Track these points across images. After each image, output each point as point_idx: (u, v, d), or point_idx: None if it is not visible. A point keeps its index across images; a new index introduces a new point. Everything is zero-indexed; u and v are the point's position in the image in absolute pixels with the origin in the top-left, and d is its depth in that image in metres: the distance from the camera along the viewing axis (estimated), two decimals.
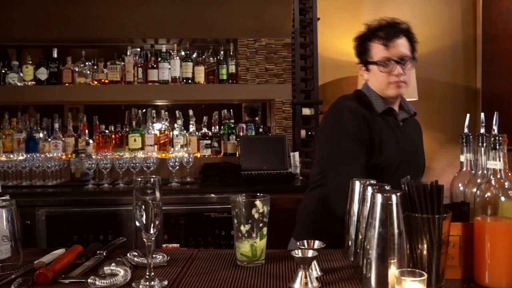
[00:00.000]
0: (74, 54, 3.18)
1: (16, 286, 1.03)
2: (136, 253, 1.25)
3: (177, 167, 2.91)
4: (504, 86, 3.36)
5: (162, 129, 3.10)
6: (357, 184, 1.21)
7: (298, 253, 1.05)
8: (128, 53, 3.09)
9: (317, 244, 1.13)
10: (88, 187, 2.80)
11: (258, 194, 1.23)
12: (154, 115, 3.11)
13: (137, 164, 2.84)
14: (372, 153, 1.59)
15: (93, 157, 2.84)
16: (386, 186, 1.11)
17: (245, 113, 3.71)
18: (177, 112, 3.12)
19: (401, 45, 1.67)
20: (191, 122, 3.09)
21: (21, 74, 3.05)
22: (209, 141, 3.11)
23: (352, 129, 1.59)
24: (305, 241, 1.14)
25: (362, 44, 1.73)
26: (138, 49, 3.21)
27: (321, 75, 3.26)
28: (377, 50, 1.68)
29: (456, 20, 3.43)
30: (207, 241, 2.74)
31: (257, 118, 3.64)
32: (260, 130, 3.18)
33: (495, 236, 1.01)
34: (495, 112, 1.14)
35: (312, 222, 1.69)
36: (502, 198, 1.07)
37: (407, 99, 3.07)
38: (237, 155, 3.07)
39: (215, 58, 3.19)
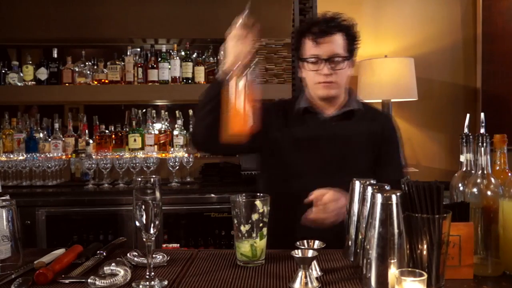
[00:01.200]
0: (74, 54, 3.18)
1: (16, 286, 1.03)
2: (136, 253, 1.25)
3: (177, 167, 2.91)
4: (504, 86, 3.36)
5: (162, 129, 3.10)
6: (357, 184, 1.21)
7: (298, 253, 1.05)
8: (128, 53, 3.08)
9: (317, 244, 1.13)
10: (88, 187, 2.80)
11: (258, 194, 1.23)
12: (154, 115, 3.10)
13: (137, 164, 2.84)
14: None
15: (93, 157, 2.84)
16: (386, 186, 1.11)
17: None
18: (177, 112, 3.12)
19: (333, 43, 1.57)
20: (191, 122, 3.09)
21: (21, 74, 3.05)
22: None
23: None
24: (305, 241, 1.14)
25: (298, 39, 1.65)
26: (138, 49, 3.20)
27: None
28: (308, 47, 1.59)
29: (456, 20, 3.43)
30: (207, 241, 2.74)
31: None
32: None
33: None
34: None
35: None
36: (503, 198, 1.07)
37: (407, 99, 3.09)
38: (237, 155, 3.07)
39: (215, 58, 3.19)
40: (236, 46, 1.38)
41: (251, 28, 1.39)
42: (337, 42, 1.57)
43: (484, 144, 1.13)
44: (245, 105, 1.35)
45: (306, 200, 1.39)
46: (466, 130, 1.24)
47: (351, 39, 1.61)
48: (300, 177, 1.58)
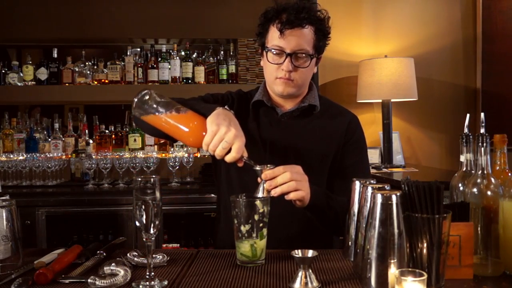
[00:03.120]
0: (74, 54, 3.18)
1: (16, 286, 1.03)
2: (136, 253, 1.25)
3: (177, 167, 2.91)
4: (504, 86, 3.36)
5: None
6: (357, 184, 1.21)
7: (298, 253, 1.05)
8: (128, 53, 3.09)
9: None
10: (88, 187, 2.80)
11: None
12: None
13: (137, 164, 2.84)
14: None
15: (93, 157, 2.84)
16: (386, 186, 1.11)
17: None
18: None
19: (301, 36, 1.40)
20: None
21: (21, 74, 3.05)
22: None
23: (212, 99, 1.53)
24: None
25: (263, 23, 1.46)
26: (138, 49, 3.21)
27: (321, 75, 3.26)
28: (272, 36, 1.42)
29: (456, 19, 3.43)
30: (207, 241, 2.74)
31: None
32: None
33: None
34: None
35: None
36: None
37: (407, 99, 3.09)
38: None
39: (215, 58, 3.19)
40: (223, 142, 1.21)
41: None
42: (306, 37, 1.41)
43: (484, 144, 1.13)
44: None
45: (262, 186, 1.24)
46: (466, 130, 1.24)
47: (322, 35, 1.45)
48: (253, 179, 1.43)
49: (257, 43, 1.52)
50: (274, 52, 1.43)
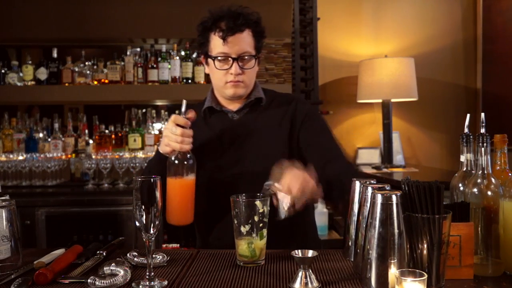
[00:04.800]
0: (74, 54, 3.18)
1: (16, 286, 1.03)
2: (136, 253, 1.25)
3: None
4: (504, 86, 3.36)
5: (162, 129, 3.10)
6: (357, 184, 1.21)
7: (298, 253, 1.04)
8: (128, 53, 3.08)
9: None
10: (88, 187, 2.80)
11: (258, 194, 1.23)
12: (154, 115, 3.11)
13: (137, 164, 2.84)
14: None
15: (93, 157, 2.84)
16: (386, 186, 1.11)
17: None
18: (177, 112, 3.12)
19: (242, 40, 1.49)
20: None
21: (21, 74, 3.05)
22: None
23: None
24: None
25: (203, 33, 1.54)
26: (138, 49, 3.20)
27: (321, 75, 3.26)
28: (216, 44, 1.50)
29: (456, 20, 3.43)
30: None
31: None
32: None
33: None
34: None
35: None
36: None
37: (407, 99, 3.09)
38: None
39: None
40: (172, 132, 1.36)
41: (191, 119, 1.38)
42: (246, 40, 1.50)
43: (485, 144, 1.13)
44: (185, 198, 1.36)
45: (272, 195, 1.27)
46: (466, 130, 1.24)
47: (259, 36, 1.55)
48: (222, 181, 1.51)
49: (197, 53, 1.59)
50: (220, 59, 1.50)
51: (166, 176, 1.36)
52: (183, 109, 1.40)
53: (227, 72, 1.50)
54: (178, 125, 1.37)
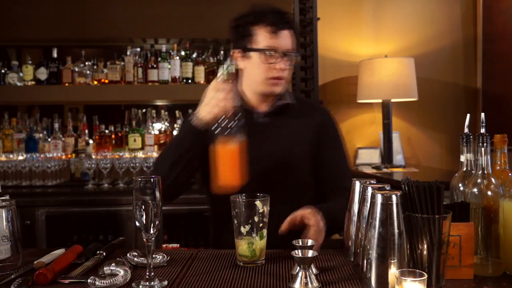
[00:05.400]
0: (74, 54, 3.18)
1: (16, 286, 1.03)
2: (136, 253, 1.25)
3: None
4: (505, 86, 3.36)
5: (162, 129, 3.10)
6: (357, 184, 1.21)
7: (298, 253, 1.04)
8: (128, 53, 3.08)
9: (310, 241, 1.10)
10: (88, 187, 2.80)
11: (258, 194, 1.23)
12: (154, 115, 3.11)
13: (137, 164, 2.84)
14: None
15: (93, 157, 2.84)
16: (386, 186, 1.11)
17: None
18: (177, 112, 3.12)
19: (289, 38, 1.48)
20: None
21: (21, 74, 3.05)
22: None
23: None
24: (299, 239, 1.12)
25: (244, 26, 1.48)
26: (138, 49, 3.21)
27: (321, 75, 3.25)
28: (263, 37, 1.45)
29: (456, 19, 3.43)
30: (207, 241, 2.74)
31: None
32: None
33: None
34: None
35: None
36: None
37: (407, 99, 3.09)
38: None
39: (215, 58, 3.18)
40: (215, 98, 1.30)
41: (232, 84, 1.32)
42: (291, 38, 1.49)
43: (485, 144, 1.13)
44: (235, 157, 1.31)
45: (284, 226, 1.28)
46: (466, 130, 1.24)
47: (296, 37, 1.54)
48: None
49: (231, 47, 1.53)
50: (268, 53, 1.45)
51: (213, 143, 1.30)
52: (221, 76, 1.32)
53: (270, 68, 1.46)
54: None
